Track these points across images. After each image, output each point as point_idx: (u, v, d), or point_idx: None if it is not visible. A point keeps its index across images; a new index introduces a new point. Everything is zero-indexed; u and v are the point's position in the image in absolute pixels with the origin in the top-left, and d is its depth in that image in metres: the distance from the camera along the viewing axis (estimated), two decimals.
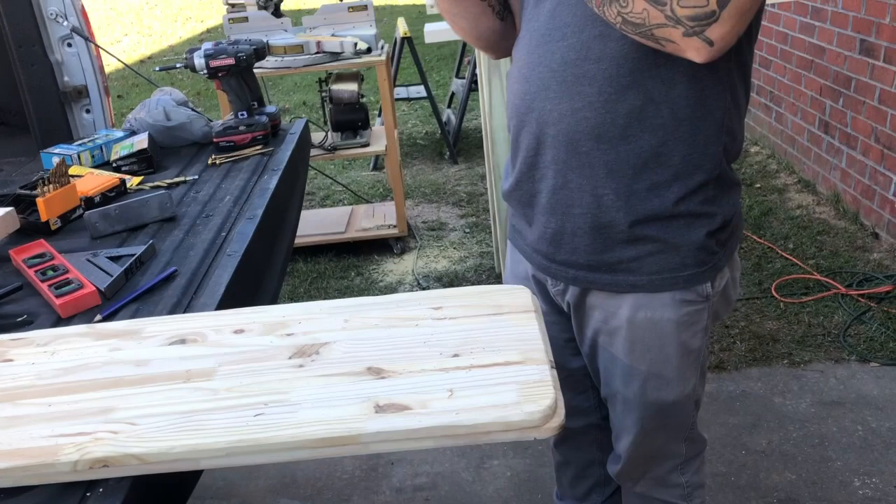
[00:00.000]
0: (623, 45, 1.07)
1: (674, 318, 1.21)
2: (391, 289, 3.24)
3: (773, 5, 4.06)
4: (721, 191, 1.18)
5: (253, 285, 1.45)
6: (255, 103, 2.05)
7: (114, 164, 1.93)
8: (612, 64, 1.08)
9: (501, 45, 1.33)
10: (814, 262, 3.09)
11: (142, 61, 8.53)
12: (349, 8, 3.45)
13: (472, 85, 4.56)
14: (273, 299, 1.59)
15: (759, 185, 3.93)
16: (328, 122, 3.51)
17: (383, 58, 3.32)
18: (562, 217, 1.21)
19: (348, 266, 3.47)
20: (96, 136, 2.08)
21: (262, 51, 2.03)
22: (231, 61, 1.97)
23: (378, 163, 4.68)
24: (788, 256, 3.15)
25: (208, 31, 10.33)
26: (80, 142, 2.05)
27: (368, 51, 3.25)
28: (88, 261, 1.43)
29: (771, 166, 4.16)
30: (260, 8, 3.39)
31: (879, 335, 2.60)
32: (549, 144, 1.17)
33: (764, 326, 2.72)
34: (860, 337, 2.61)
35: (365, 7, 3.45)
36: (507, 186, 1.32)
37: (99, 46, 2.21)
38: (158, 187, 1.78)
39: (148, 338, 1.09)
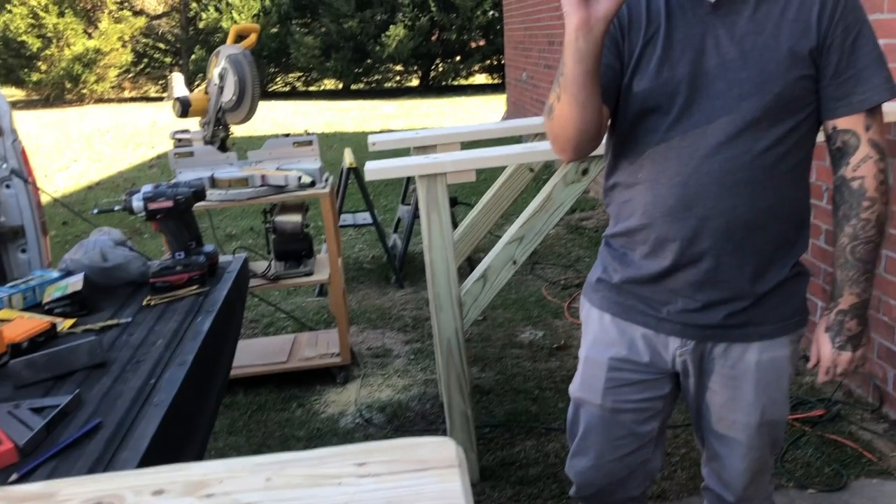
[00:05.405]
0: (765, 159, 1.43)
1: (788, 355, 1.60)
2: (332, 420, 3.19)
3: None
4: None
5: (180, 436, 1.43)
6: (194, 243, 2.08)
7: (45, 307, 1.91)
8: (759, 173, 1.45)
9: (585, 147, 1.46)
10: None
11: (90, 187, 8.56)
12: (294, 143, 3.56)
13: (417, 211, 4.68)
14: (202, 446, 1.56)
15: None
16: (272, 252, 3.55)
17: (327, 190, 3.40)
18: (711, 290, 1.53)
19: (290, 397, 3.42)
20: (31, 278, 2.07)
21: (201, 193, 2.08)
22: (169, 204, 2.00)
23: (323, 289, 4.70)
24: None
25: (158, 157, 10.45)
26: (12, 283, 2.03)
27: (312, 184, 3.34)
28: (10, 413, 1.39)
29: None
30: (206, 143, 3.48)
31: (815, 460, 2.64)
32: (707, 234, 1.48)
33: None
34: (797, 462, 2.64)
35: (310, 142, 3.56)
36: (650, 271, 1.54)
37: (39, 189, 2.23)
38: (90, 331, 1.77)
39: (63, 502, 1.06)
